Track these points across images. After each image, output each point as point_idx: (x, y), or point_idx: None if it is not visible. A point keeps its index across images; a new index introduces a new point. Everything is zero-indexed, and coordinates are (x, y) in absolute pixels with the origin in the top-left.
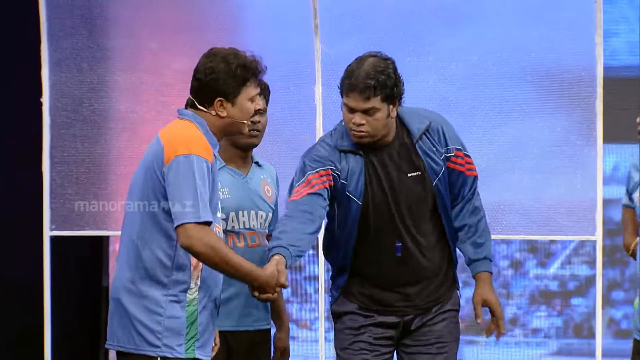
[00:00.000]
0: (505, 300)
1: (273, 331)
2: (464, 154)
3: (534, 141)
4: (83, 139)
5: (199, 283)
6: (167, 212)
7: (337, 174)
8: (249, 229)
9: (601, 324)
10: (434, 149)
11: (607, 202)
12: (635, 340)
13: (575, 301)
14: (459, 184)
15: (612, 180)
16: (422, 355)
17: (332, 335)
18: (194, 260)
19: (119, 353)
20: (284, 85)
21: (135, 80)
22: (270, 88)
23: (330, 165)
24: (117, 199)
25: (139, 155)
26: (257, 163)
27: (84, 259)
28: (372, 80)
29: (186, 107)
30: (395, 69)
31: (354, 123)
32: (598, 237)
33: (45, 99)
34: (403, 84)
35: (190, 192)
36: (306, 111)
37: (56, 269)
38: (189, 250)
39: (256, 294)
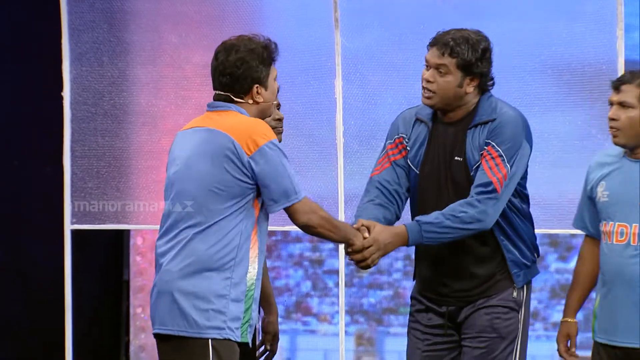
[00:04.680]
0: None
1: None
2: (498, 154)
3: (554, 135)
4: (104, 132)
5: (256, 267)
6: (238, 202)
7: (407, 141)
8: None
9: None
10: (478, 142)
11: None
12: (594, 342)
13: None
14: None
15: None
16: (465, 347)
17: (352, 329)
18: (251, 249)
19: (176, 338)
20: (304, 79)
21: (155, 74)
22: (290, 82)
23: (403, 134)
24: (137, 193)
25: (159, 149)
26: None
27: (105, 253)
28: (453, 42)
29: None
30: (486, 49)
31: (424, 79)
32: None
33: (66, 93)
34: (491, 68)
35: (286, 175)
36: (326, 105)
37: (77, 262)
38: (307, 226)
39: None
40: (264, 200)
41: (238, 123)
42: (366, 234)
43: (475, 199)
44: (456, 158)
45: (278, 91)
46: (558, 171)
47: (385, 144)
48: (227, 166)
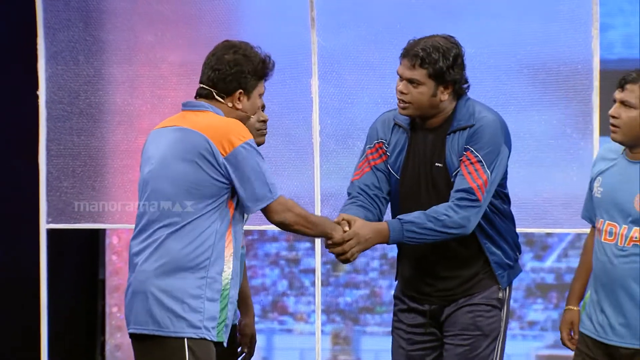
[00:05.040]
0: None
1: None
2: (477, 159)
3: (530, 134)
4: (79, 131)
5: (231, 267)
6: (213, 202)
7: (386, 147)
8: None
9: None
10: (458, 148)
11: None
12: (581, 333)
13: None
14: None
15: None
16: (447, 345)
17: (328, 328)
18: (226, 249)
19: (151, 337)
20: (280, 78)
21: (131, 73)
22: (266, 81)
23: (382, 139)
24: (113, 192)
25: (135, 148)
26: None
27: (80, 252)
28: (423, 53)
29: (196, 97)
30: (457, 55)
31: (398, 90)
32: None
33: (42, 92)
34: (464, 72)
35: (262, 176)
36: (303, 104)
37: (52, 261)
38: (283, 224)
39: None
40: (239, 200)
41: (213, 123)
42: (346, 228)
43: (457, 205)
44: (436, 164)
45: (262, 109)
46: (533, 170)
47: (364, 148)
48: (203, 165)
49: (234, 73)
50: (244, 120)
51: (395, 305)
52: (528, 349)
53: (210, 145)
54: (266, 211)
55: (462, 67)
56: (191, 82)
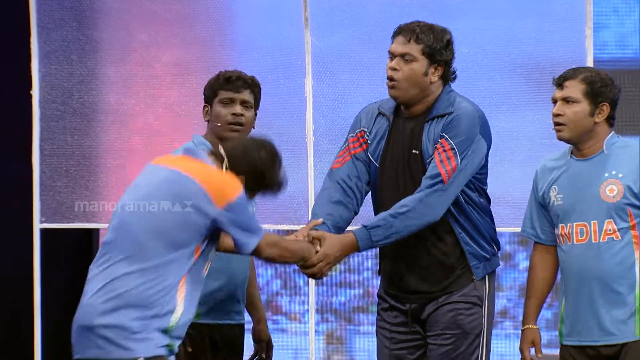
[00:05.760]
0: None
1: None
2: (450, 147)
3: (524, 134)
4: (73, 131)
5: (182, 309)
6: (182, 249)
7: (367, 135)
8: None
9: None
10: (433, 137)
11: None
12: (563, 346)
13: None
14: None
15: None
16: (430, 345)
17: (322, 327)
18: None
19: None
20: (274, 78)
21: (125, 73)
22: (260, 81)
23: (364, 127)
24: (107, 192)
25: (128, 147)
26: None
27: (74, 252)
28: (418, 29)
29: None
30: (450, 40)
31: (389, 67)
32: None
33: (35, 91)
34: (454, 58)
35: (251, 223)
36: (296, 104)
37: (46, 261)
38: (269, 259)
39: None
40: (206, 249)
41: (209, 175)
42: (318, 247)
43: (423, 192)
44: (413, 151)
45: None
46: (527, 170)
47: (347, 136)
48: (189, 212)
49: (254, 170)
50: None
51: (378, 304)
52: None
53: (206, 196)
54: (255, 254)
55: (453, 52)
56: (185, 81)
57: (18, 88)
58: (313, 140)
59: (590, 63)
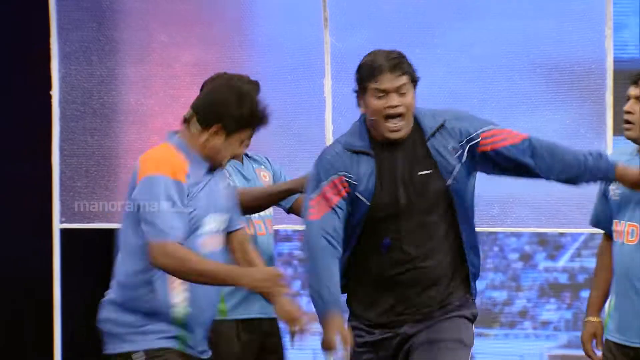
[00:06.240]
0: (515, 292)
1: None
2: (494, 131)
3: (543, 134)
4: (93, 131)
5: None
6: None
7: (349, 177)
8: (249, 219)
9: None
10: (448, 148)
11: None
12: (606, 340)
13: (584, 294)
14: (512, 159)
15: None
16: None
17: None
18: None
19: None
20: (293, 78)
21: (144, 73)
22: (279, 81)
23: (342, 172)
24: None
25: (148, 147)
26: (246, 155)
27: (94, 252)
28: (398, 58)
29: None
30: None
31: (389, 107)
32: None
33: (55, 92)
34: None
35: (152, 212)
36: (315, 104)
37: (66, 261)
38: (156, 267)
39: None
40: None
41: (148, 153)
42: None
43: (540, 150)
44: (419, 173)
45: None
46: None
47: (319, 181)
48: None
49: (217, 108)
50: (214, 159)
51: (359, 336)
52: (541, 348)
53: (137, 176)
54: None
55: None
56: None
57: (38, 89)
58: (332, 141)
59: (609, 63)
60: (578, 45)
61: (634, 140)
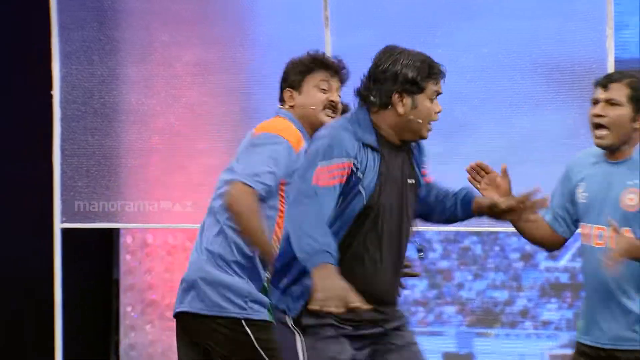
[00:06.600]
0: (516, 292)
1: None
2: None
3: (544, 134)
4: (93, 131)
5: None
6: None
7: (357, 167)
8: None
9: None
10: (419, 161)
11: None
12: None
13: None
14: (431, 190)
15: None
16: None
17: None
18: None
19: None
20: None
21: (145, 73)
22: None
23: (353, 158)
24: (127, 192)
25: (149, 147)
26: None
27: (95, 252)
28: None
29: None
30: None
31: (435, 112)
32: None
33: (56, 92)
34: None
35: (256, 158)
36: None
37: (67, 261)
38: (227, 206)
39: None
40: None
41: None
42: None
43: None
44: (409, 181)
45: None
46: (548, 169)
47: (332, 153)
48: None
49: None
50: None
51: (335, 328)
52: (542, 348)
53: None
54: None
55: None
56: (205, 81)
57: (39, 88)
58: None
59: (610, 63)
60: (579, 45)
61: (609, 147)
